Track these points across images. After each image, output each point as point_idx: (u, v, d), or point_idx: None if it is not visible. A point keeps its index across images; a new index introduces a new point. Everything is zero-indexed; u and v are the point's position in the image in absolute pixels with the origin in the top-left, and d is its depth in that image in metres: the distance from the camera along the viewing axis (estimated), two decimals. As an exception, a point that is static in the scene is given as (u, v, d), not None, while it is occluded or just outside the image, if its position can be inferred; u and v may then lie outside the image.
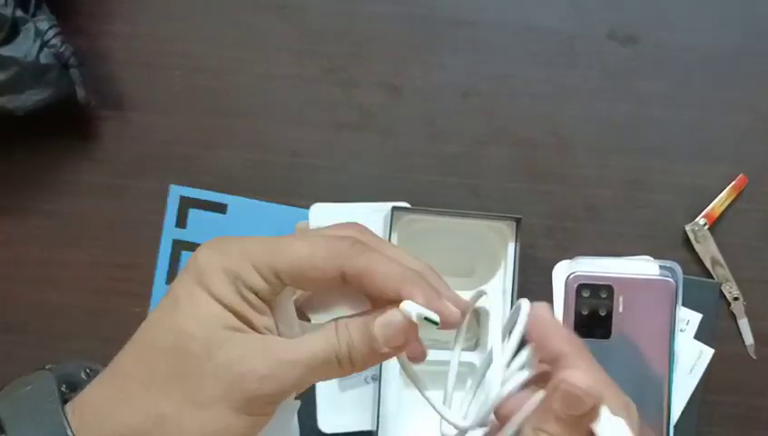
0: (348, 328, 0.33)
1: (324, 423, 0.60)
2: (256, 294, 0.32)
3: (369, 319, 0.33)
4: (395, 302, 0.33)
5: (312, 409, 0.60)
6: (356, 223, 0.36)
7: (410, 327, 0.32)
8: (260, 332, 0.32)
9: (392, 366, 0.58)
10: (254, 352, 0.31)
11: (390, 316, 0.32)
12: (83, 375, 0.35)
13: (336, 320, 0.34)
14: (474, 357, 0.61)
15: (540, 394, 0.32)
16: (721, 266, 0.62)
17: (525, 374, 0.32)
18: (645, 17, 0.64)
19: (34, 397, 0.32)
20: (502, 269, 0.59)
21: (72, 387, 0.34)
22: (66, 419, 0.31)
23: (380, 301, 0.34)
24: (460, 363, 0.60)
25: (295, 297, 0.36)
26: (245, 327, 0.32)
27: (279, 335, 0.33)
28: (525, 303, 0.33)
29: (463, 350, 0.61)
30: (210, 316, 0.32)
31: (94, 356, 0.37)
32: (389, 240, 0.58)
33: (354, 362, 0.33)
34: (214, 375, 0.31)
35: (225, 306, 0.32)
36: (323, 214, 0.60)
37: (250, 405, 0.31)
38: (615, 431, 0.30)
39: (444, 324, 0.33)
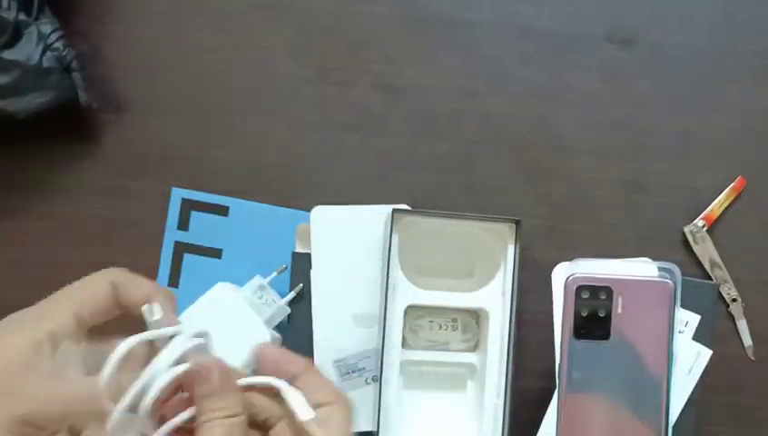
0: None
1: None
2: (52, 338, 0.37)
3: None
4: None
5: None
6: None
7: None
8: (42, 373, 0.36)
9: (393, 366, 0.58)
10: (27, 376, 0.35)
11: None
12: None
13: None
14: (473, 358, 0.61)
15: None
16: (719, 268, 0.62)
17: (181, 368, 0.36)
18: (643, 19, 0.64)
19: None
20: (501, 271, 0.60)
21: None
22: None
23: None
24: (459, 364, 0.61)
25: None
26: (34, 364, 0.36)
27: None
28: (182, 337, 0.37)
29: (462, 351, 0.62)
30: None
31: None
32: (390, 242, 0.58)
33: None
34: None
35: None
36: (324, 217, 0.60)
37: (17, 426, 0.33)
38: (294, 398, 0.37)
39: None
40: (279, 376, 0.38)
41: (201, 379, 0.36)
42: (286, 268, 0.61)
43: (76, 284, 0.40)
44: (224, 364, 0.37)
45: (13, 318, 0.38)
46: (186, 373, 0.36)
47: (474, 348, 0.61)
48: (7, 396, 0.34)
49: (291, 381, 0.38)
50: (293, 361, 0.39)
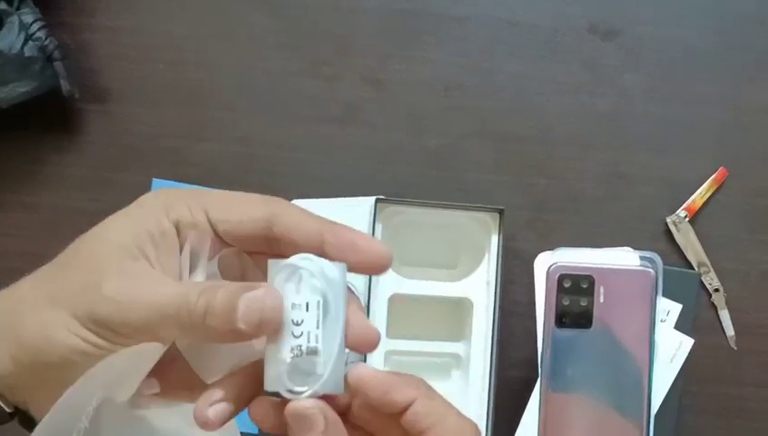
0: (216, 290, 0.29)
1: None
2: (176, 227, 0.31)
3: (243, 288, 0.29)
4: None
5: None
6: None
7: (274, 310, 0.29)
8: (150, 265, 0.30)
9: (377, 356, 0.59)
10: (116, 275, 0.30)
11: (261, 292, 0.29)
12: None
13: (215, 281, 0.32)
14: (458, 347, 0.61)
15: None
16: (701, 257, 0.62)
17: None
18: (626, 12, 0.64)
19: None
20: (485, 260, 0.60)
21: None
22: None
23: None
24: (444, 354, 0.61)
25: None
26: (138, 255, 0.30)
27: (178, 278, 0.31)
28: None
29: (448, 340, 0.62)
30: (119, 236, 0.31)
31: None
32: (373, 232, 0.58)
33: (207, 328, 0.29)
34: (73, 276, 0.30)
35: (139, 233, 0.30)
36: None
37: (93, 323, 0.29)
38: None
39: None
40: (387, 407, 0.30)
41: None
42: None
43: (233, 195, 0.33)
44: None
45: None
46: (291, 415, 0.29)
47: (459, 338, 0.61)
48: (92, 290, 0.29)
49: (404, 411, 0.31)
50: (405, 384, 0.31)
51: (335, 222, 0.32)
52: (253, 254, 0.33)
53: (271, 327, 0.29)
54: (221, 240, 0.32)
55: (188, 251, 0.31)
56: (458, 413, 0.31)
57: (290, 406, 0.28)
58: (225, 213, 0.31)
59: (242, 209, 0.32)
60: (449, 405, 0.31)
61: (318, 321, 0.29)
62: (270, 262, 0.30)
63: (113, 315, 0.29)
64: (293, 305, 0.29)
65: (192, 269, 0.31)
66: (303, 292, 0.29)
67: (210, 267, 0.32)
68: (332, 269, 0.29)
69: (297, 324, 0.29)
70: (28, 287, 0.31)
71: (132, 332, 0.29)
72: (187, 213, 0.31)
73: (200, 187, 0.62)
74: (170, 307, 0.29)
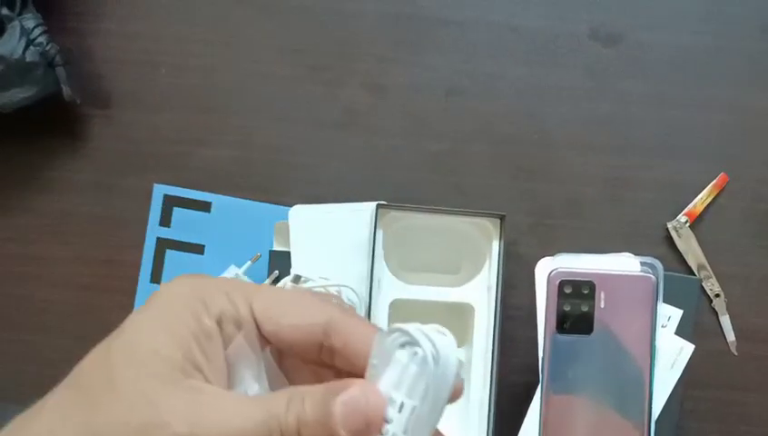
0: (303, 398, 0.26)
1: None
2: (219, 324, 0.27)
3: (331, 390, 0.26)
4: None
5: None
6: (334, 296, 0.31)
7: (377, 408, 0.25)
8: (205, 379, 0.26)
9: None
10: (181, 404, 0.25)
11: (357, 391, 0.25)
12: None
13: (291, 388, 0.27)
14: (460, 353, 0.61)
15: None
16: (702, 263, 0.62)
17: None
18: (627, 17, 0.64)
19: None
20: (486, 265, 0.60)
21: None
22: None
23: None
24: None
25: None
26: (189, 368, 0.26)
27: (228, 388, 0.27)
28: None
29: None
30: (150, 354, 0.26)
31: (77, 353, 0.37)
32: (374, 238, 0.58)
33: None
34: (118, 412, 0.25)
35: (176, 343, 0.26)
36: (303, 216, 0.60)
37: None
38: None
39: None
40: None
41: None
42: (260, 256, 0.61)
43: (280, 292, 0.30)
44: None
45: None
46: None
47: (461, 343, 0.61)
48: (158, 430, 0.24)
49: None
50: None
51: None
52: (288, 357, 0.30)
53: (376, 428, 0.25)
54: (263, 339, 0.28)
55: (240, 354, 0.27)
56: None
57: None
58: (276, 312, 0.28)
59: (297, 310, 0.28)
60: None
61: (406, 428, 0.25)
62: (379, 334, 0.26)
63: None
64: (390, 400, 0.25)
65: (236, 374, 0.27)
66: (403, 386, 0.25)
67: (254, 369, 0.28)
68: (450, 354, 0.25)
69: (385, 421, 0.25)
70: (57, 423, 0.25)
71: None
72: (229, 306, 0.27)
73: (199, 192, 0.63)
74: (259, 429, 0.25)
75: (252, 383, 0.27)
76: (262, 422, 0.25)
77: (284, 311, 0.28)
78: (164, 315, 0.26)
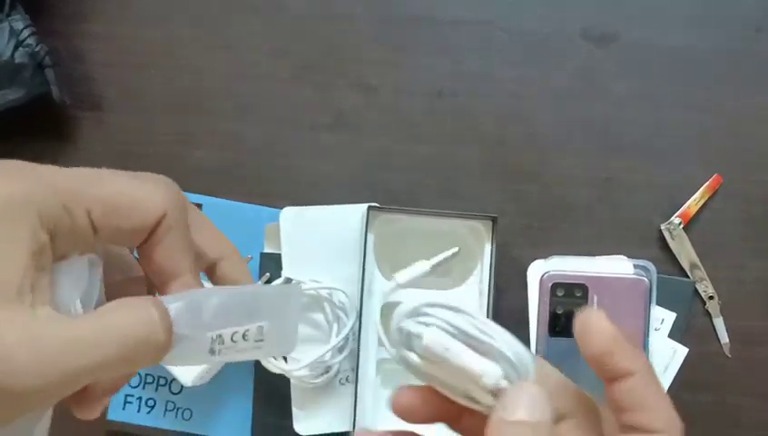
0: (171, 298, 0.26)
1: (300, 426, 0.59)
2: (51, 237, 0.25)
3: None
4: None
5: (288, 411, 0.60)
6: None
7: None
8: (38, 300, 0.25)
9: (369, 365, 0.58)
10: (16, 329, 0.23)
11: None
12: None
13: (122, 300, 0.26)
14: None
15: None
16: (696, 265, 0.62)
17: None
18: (619, 18, 0.64)
19: None
20: (479, 268, 0.60)
21: None
22: None
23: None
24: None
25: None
26: (25, 290, 0.24)
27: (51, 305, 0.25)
28: None
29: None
30: None
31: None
32: (365, 240, 0.58)
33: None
34: None
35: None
36: (294, 218, 0.60)
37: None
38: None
39: None
40: (601, 369, 0.29)
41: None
42: (251, 258, 0.61)
43: (120, 187, 0.28)
44: None
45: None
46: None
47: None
48: None
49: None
50: (631, 353, 0.28)
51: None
52: None
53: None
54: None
55: (72, 273, 0.26)
56: (671, 406, 0.28)
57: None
58: (115, 218, 0.27)
59: (136, 214, 0.27)
60: (664, 394, 0.28)
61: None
62: None
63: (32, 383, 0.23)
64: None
65: (61, 291, 0.26)
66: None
67: (82, 290, 0.27)
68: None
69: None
70: None
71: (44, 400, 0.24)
72: (65, 217, 0.26)
73: (189, 193, 0.62)
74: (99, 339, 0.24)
75: (78, 306, 0.26)
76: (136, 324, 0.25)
77: (123, 214, 0.27)
78: (1, 233, 0.24)
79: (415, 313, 0.29)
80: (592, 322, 0.28)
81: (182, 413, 0.62)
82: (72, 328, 0.24)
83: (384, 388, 0.60)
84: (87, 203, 0.26)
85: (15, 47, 0.57)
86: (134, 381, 0.62)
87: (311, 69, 0.64)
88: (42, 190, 0.25)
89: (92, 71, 0.63)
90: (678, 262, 0.62)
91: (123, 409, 0.62)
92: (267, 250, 0.61)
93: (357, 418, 0.57)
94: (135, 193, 0.28)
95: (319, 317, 0.59)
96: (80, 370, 0.24)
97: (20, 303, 0.24)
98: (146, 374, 0.62)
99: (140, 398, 0.62)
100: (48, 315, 0.25)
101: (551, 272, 0.55)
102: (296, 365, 0.57)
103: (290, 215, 0.60)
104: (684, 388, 0.60)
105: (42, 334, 0.24)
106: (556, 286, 0.55)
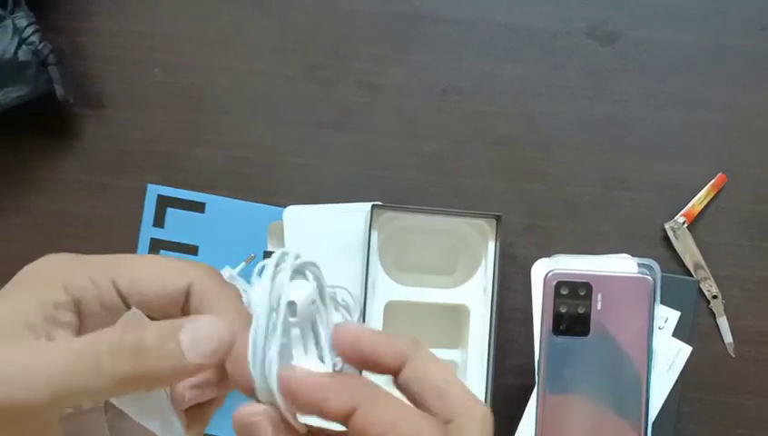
0: (145, 327, 0.27)
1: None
2: (77, 306, 0.28)
3: (177, 322, 0.27)
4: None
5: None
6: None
7: (227, 341, 0.27)
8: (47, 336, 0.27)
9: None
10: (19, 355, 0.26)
11: (207, 319, 0.27)
12: None
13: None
14: (455, 354, 0.61)
15: None
16: (700, 264, 0.62)
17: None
18: (625, 16, 0.64)
19: None
20: (482, 267, 0.59)
21: None
22: None
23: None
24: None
25: None
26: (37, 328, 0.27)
27: None
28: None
29: (444, 347, 0.61)
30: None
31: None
32: (369, 239, 0.58)
33: (146, 368, 0.26)
34: None
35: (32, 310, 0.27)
36: (297, 217, 0.60)
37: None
38: None
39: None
40: (380, 369, 0.28)
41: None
42: (255, 257, 0.61)
43: (145, 260, 0.30)
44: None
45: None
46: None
47: (456, 344, 0.61)
48: None
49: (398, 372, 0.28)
50: (340, 389, 0.27)
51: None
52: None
53: (224, 353, 0.27)
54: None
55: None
56: (413, 413, 0.27)
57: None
58: (139, 285, 0.29)
59: (158, 280, 0.29)
60: (400, 405, 0.27)
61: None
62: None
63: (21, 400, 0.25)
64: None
65: None
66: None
67: None
68: (305, 300, 0.28)
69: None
70: None
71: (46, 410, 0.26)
72: (92, 287, 0.28)
73: (193, 192, 0.62)
74: (86, 351, 0.26)
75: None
76: (93, 343, 0.26)
77: (147, 281, 0.29)
78: (15, 291, 0.28)
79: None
80: (291, 375, 0.26)
81: (186, 411, 0.62)
82: (65, 344, 0.27)
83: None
84: (113, 274, 0.29)
85: (19, 45, 0.57)
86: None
87: (316, 67, 0.64)
88: (71, 268, 0.29)
89: (95, 68, 0.63)
90: (682, 261, 0.62)
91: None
92: (270, 248, 0.61)
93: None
94: (158, 263, 0.30)
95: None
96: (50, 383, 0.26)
97: (23, 335, 0.26)
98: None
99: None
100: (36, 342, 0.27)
101: (555, 271, 0.54)
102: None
103: (293, 214, 0.60)
104: (687, 387, 0.60)
105: (39, 354, 0.26)
106: (560, 285, 0.54)
